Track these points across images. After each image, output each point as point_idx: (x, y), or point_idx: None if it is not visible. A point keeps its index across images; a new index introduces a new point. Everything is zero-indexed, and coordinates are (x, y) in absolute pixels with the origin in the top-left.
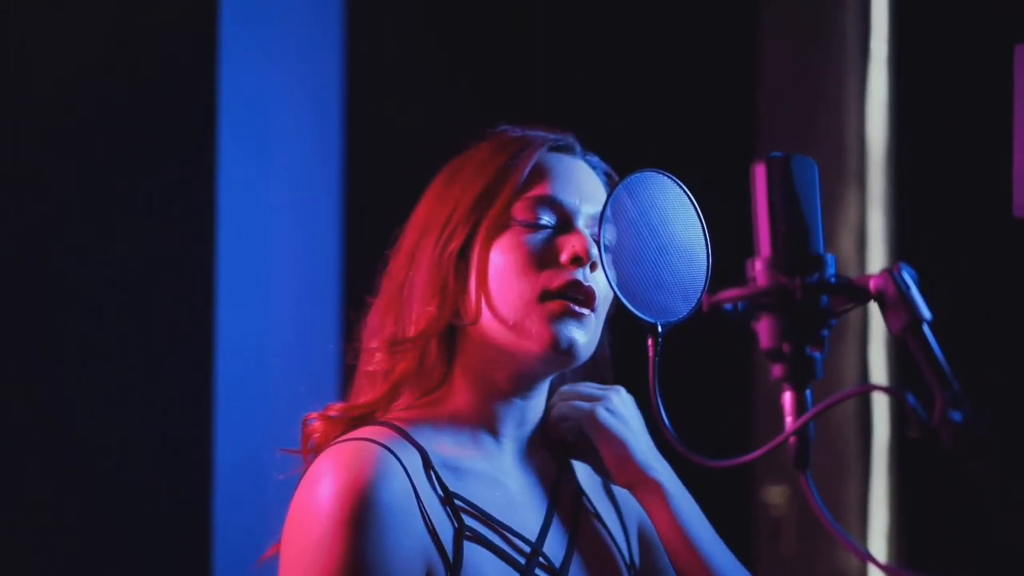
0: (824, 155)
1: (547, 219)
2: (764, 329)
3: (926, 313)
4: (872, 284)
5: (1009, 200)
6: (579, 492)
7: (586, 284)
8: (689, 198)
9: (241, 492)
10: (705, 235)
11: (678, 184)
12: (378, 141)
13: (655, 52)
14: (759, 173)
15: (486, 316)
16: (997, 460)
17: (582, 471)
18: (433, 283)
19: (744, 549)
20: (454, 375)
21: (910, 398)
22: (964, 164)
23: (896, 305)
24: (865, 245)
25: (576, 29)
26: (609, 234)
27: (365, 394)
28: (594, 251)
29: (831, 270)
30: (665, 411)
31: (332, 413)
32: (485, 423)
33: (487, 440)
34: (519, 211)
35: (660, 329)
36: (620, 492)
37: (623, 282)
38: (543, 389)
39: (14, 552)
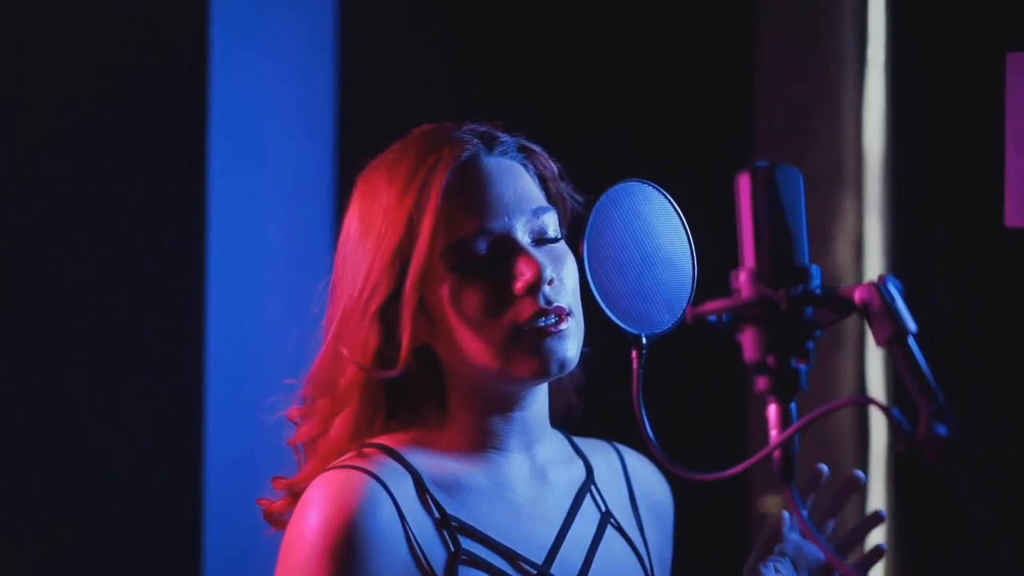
0: (821, 163)
1: (483, 250)
2: (748, 341)
3: (911, 325)
4: (857, 296)
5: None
6: (605, 501)
7: (553, 306)
8: (674, 208)
9: (233, 494)
10: (691, 245)
11: (663, 194)
12: (371, 144)
13: (651, 60)
14: (743, 183)
15: (466, 362)
16: (984, 473)
17: (606, 478)
18: (356, 346)
19: (741, 560)
20: (448, 401)
21: (895, 412)
22: (961, 172)
23: (881, 317)
24: (862, 253)
25: (572, 35)
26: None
27: (309, 462)
28: (547, 272)
29: (816, 281)
30: (650, 423)
31: (278, 488)
32: (487, 440)
33: (491, 455)
34: (452, 257)
35: (644, 340)
36: (645, 503)
37: (607, 293)
38: (541, 392)
39: (9, 551)
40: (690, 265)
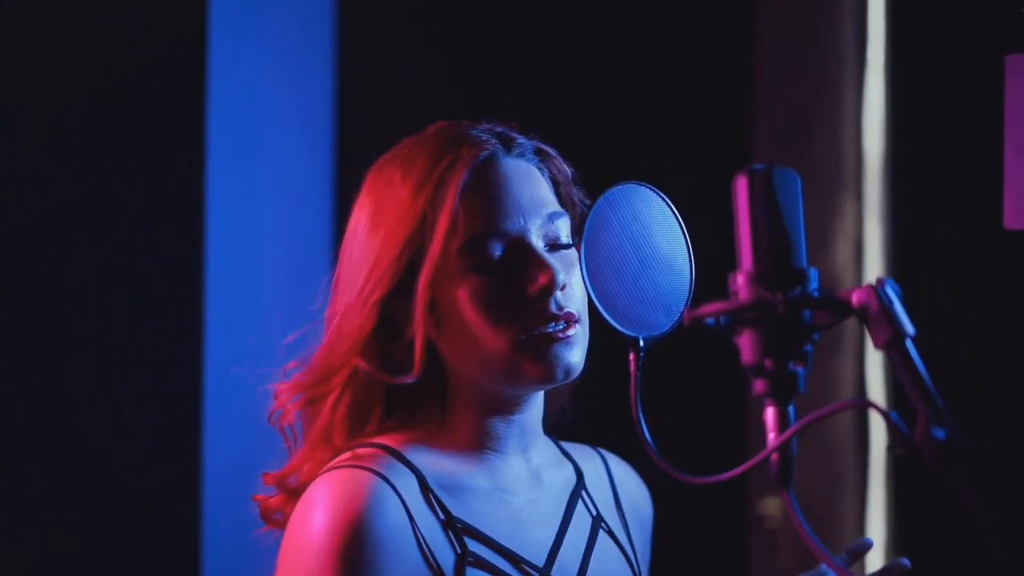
0: (821, 165)
1: (497, 251)
2: (746, 344)
3: (909, 328)
4: (855, 299)
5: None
6: (595, 505)
7: (563, 311)
8: (672, 211)
9: (232, 494)
10: (688, 248)
11: (661, 197)
12: (371, 144)
13: (651, 62)
14: (741, 185)
15: (472, 363)
16: (983, 475)
17: (594, 482)
18: (351, 331)
19: (740, 562)
20: (448, 401)
21: (893, 415)
22: (960, 173)
23: (879, 320)
24: (862, 255)
25: (572, 36)
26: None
27: (299, 455)
28: (560, 277)
29: (814, 284)
30: (647, 427)
31: (268, 483)
32: (486, 442)
33: (490, 457)
34: (465, 257)
35: (642, 343)
36: (629, 508)
37: (604, 295)
38: (539, 396)
39: (9, 551)
40: (688, 268)
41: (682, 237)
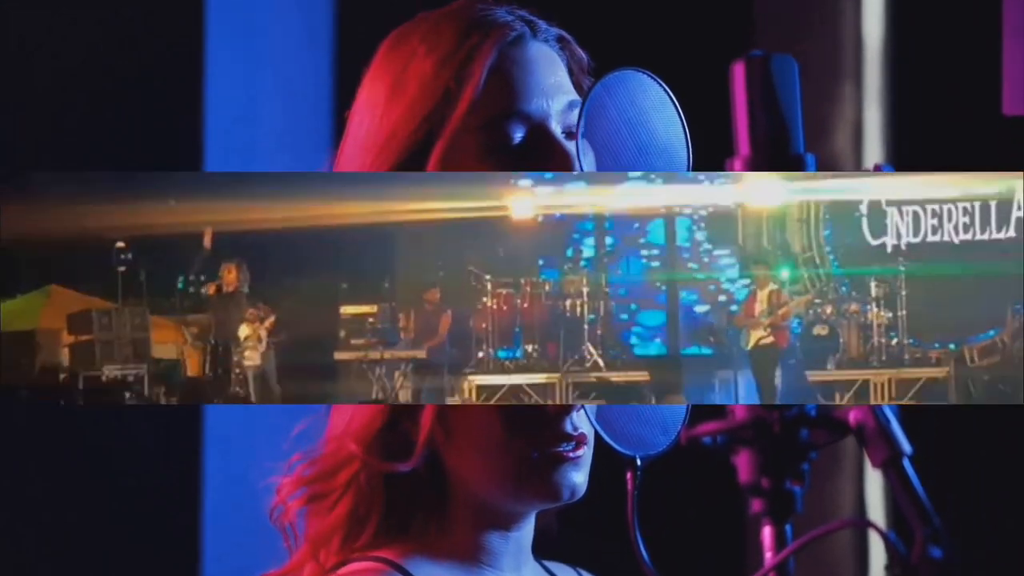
0: (820, 52)
1: (518, 134)
2: (743, 463)
3: (906, 447)
4: (852, 417)
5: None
6: None
7: (577, 432)
8: (669, 96)
9: (232, 494)
10: (686, 133)
11: (658, 82)
12: None
13: None
14: (738, 72)
15: (476, 474)
16: None
17: None
18: (359, 427)
19: None
20: (447, 513)
21: (891, 535)
22: (959, 60)
23: (876, 439)
24: (861, 141)
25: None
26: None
27: (299, 556)
28: (577, 165)
29: (812, 168)
30: (645, 548)
31: None
32: (483, 557)
33: (486, 573)
34: (485, 135)
35: (639, 463)
36: None
37: (601, 413)
38: (534, 512)
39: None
40: (685, 153)
41: (679, 122)
